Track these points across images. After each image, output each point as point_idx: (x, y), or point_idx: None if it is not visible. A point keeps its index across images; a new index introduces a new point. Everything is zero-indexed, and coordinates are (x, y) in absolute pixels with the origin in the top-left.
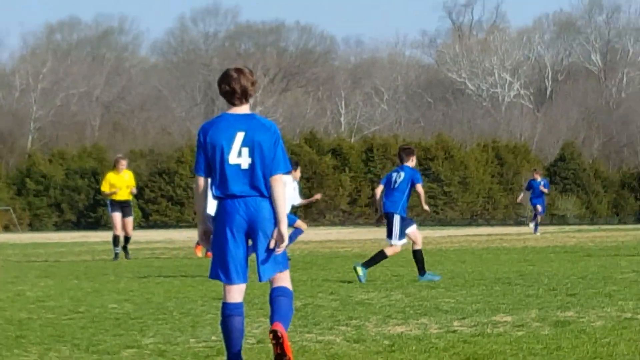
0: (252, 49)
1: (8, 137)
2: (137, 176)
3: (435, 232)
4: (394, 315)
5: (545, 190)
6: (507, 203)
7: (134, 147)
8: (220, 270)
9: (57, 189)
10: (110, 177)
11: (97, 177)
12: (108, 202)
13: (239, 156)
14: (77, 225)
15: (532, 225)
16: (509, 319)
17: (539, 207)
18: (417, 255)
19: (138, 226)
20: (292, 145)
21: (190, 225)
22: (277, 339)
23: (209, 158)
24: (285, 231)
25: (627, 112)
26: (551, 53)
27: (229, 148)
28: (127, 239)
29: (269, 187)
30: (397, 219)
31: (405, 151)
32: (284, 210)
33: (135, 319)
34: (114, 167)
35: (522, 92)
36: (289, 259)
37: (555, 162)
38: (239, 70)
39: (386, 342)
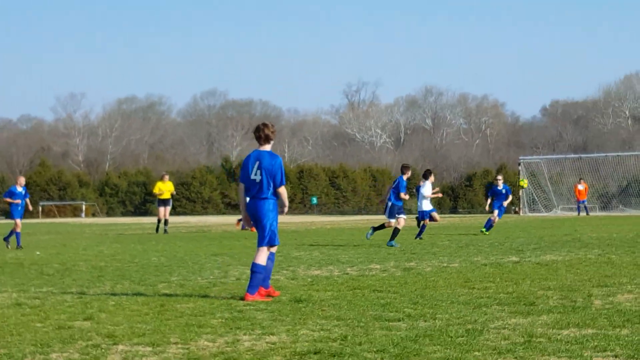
0: (235, 115)
1: (95, 163)
2: None
3: (338, 218)
4: (314, 265)
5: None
6: (377, 201)
7: (167, 169)
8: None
9: (123, 192)
10: (159, 184)
11: (146, 186)
12: (157, 200)
13: (255, 175)
14: (134, 214)
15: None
16: (378, 266)
17: (496, 212)
18: (395, 231)
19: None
20: None
21: (199, 213)
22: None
23: (244, 174)
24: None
25: (446, 154)
26: (403, 118)
27: (251, 169)
28: (166, 221)
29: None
30: (389, 204)
31: (403, 167)
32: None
33: (167, 266)
34: (161, 179)
35: (387, 140)
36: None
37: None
38: (264, 125)
39: (309, 279)
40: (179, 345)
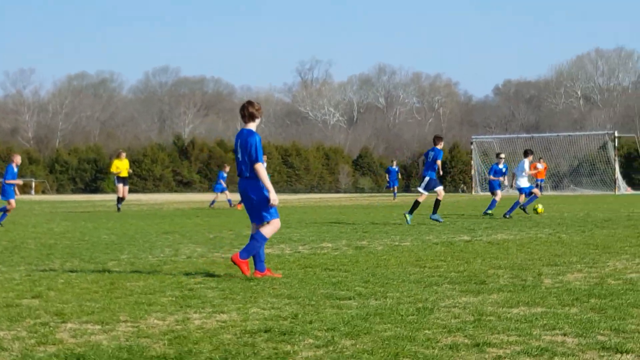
0: (187, 92)
1: (45, 139)
2: None
3: (290, 196)
4: (267, 244)
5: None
6: (330, 180)
7: (117, 147)
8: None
9: (73, 169)
10: (117, 162)
11: (96, 163)
12: (115, 177)
13: (240, 154)
14: (85, 191)
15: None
16: (329, 245)
17: (499, 192)
18: (436, 203)
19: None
20: (210, 147)
21: (151, 191)
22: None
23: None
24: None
25: (399, 132)
26: (356, 97)
27: (237, 149)
28: (122, 199)
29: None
30: (427, 179)
31: (436, 137)
32: (266, 181)
33: (117, 244)
34: (118, 156)
35: (340, 118)
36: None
37: (358, 158)
38: (249, 102)
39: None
40: (129, 324)
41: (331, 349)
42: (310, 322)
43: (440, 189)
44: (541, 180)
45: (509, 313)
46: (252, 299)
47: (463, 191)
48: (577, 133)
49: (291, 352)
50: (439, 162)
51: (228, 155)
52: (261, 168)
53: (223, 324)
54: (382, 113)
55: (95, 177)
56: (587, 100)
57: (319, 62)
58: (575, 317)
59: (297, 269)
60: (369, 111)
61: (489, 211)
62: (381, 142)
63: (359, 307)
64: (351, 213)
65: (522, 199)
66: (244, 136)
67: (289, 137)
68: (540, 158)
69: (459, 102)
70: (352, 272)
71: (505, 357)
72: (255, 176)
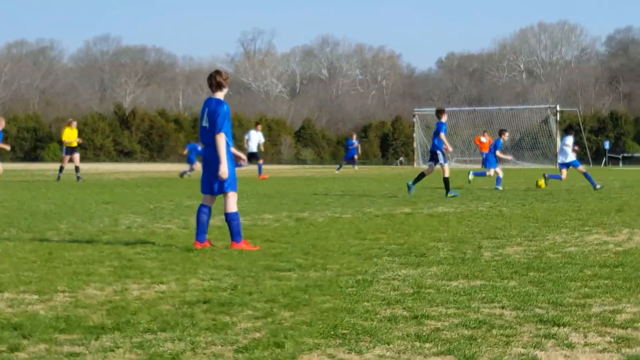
0: (129, 61)
1: None
2: (59, 133)
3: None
4: None
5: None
6: (272, 151)
7: (58, 115)
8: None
9: (12, 138)
10: (67, 131)
11: (36, 132)
12: (64, 146)
13: (205, 122)
14: (24, 160)
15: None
16: (270, 216)
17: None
18: (420, 175)
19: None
20: (151, 117)
21: (91, 160)
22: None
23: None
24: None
25: (342, 104)
26: (299, 68)
27: (202, 116)
28: (77, 168)
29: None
30: (439, 153)
31: (438, 111)
32: (221, 152)
33: (56, 214)
34: (68, 124)
35: (283, 90)
36: None
37: (300, 130)
38: (216, 72)
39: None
40: (66, 294)
41: (270, 320)
42: (250, 294)
43: (433, 165)
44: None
45: (448, 286)
46: (192, 270)
47: (400, 163)
48: (520, 107)
49: (230, 323)
50: (442, 134)
51: (170, 125)
52: (221, 139)
53: (162, 294)
54: (325, 85)
55: (35, 146)
56: (530, 74)
57: (261, 32)
58: (513, 290)
59: None
60: (311, 83)
61: (499, 187)
62: (324, 114)
63: (298, 279)
64: (293, 185)
65: (564, 174)
66: (213, 105)
67: (231, 108)
68: (485, 131)
69: (402, 74)
70: (292, 243)
71: (443, 330)
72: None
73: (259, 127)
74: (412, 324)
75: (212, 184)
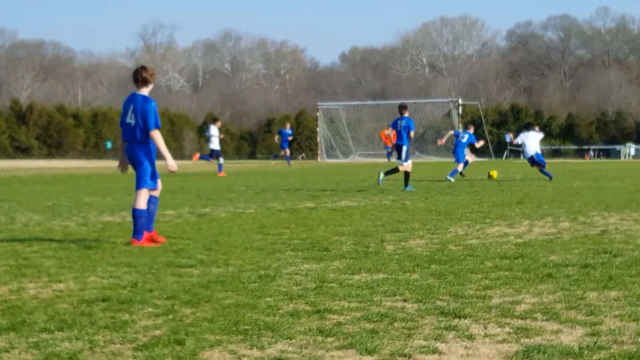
0: (25, 56)
1: None
2: None
3: None
4: (106, 210)
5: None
6: (174, 146)
7: None
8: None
9: None
10: None
11: None
12: None
13: (130, 118)
14: None
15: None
16: (172, 212)
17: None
18: (407, 174)
19: None
20: (49, 112)
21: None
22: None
23: (121, 117)
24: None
25: (245, 98)
26: (202, 62)
27: (127, 112)
28: None
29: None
30: (405, 149)
31: (401, 107)
32: (162, 148)
33: None
34: None
35: (185, 84)
36: None
37: (203, 124)
38: (142, 67)
39: (100, 225)
40: None
41: (171, 317)
42: (150, 291)
43: (409, 162)
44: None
45: (350, 280)
46: (90, 267)
47: (302, 158)
48: (422, 100)
49: (129, 321)
50: (412, 132)
51: (68, 120)
52: (158, 135)
53: (59, 293)
54: (228, 79)
55: None
56: (433, 68)
57: (162, 26)
58: (415, 283)
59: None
60: (214, 77)
61: (452, 178)
62: (227, 108)
63: (200, 275)
64: (195, 180)
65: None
66: (139, 102)
67: None
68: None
69: (306, 68)
70: (194, 239)
71: (345, 324)
72: (146, 141)
73: (218, 123)
74: (315, 319)
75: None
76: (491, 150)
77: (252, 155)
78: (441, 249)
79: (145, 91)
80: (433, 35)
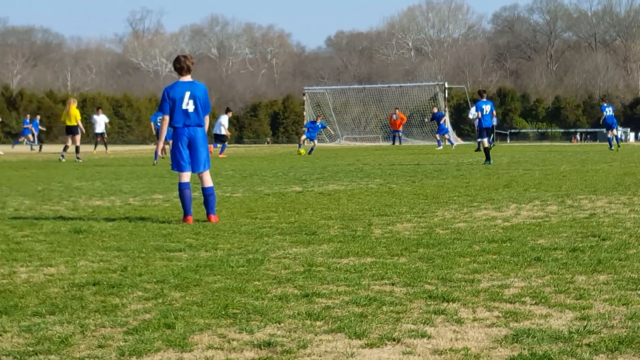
0: (15, 42)
1: None
2: None
3: (121, 147)
4: (95, 195)
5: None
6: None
7: None
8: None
9: None
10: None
11: None
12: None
13: (187, 104)
14: None
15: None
16: (161, 196)
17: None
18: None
19: None
20: (38, 98)
21: None
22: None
23: (171, 105)
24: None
25: (232, 83)
26: (189, 47)
27: (182, 100)
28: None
29: (203, 120)
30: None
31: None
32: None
33: None
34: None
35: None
36: None
37: None
38: (184, 56)
39: (90, 210)
40: None
41: (160, 301)
42: (140, 275)
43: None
44: (398, 132)
45: (338, 263)
46: (81, 251)
47: (268, 143)
48: (408, 84)
49: (120, 304)
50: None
51: (58, 106)
52: (208, 119)
53: (50, 277)
54: (215, 64)
55: None
56: (419, 51)
57: (150, 12)
58: (403, 266)
59: (127, 222)
60: (201, 62)
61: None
62: (214, 93)
63: (189, 259)
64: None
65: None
66: (199, 88)
67: (120, 88)
68: (396, 108)
69: (292, 53)
70: (183, 224)
71: (334, 307)
72: (202, 124)
73: (230, 113)
74: (303, 303)
75: (194, 162)
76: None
77: (239, 140)
78: (429, 233)
79: (189, 78)
80: (419, 18)
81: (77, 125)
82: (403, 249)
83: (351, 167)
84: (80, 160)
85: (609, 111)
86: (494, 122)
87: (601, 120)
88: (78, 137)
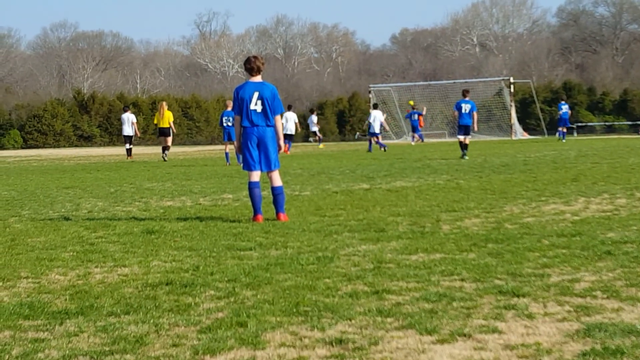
0: (86, 47)
1: None
2: (19, 119)
3: (191, 148)
4: (166, 195)
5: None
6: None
7: (18, 102)
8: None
9: None
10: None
11: None
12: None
13: (255, 105)
14: None
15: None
16: (230, 196)
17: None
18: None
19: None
20: (109, 101)
21: (51, 146)
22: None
23: (240, 105)
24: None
25: (298, 83)
26: (255, 48)
27: (250, 100)
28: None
29: (272, 121)
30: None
31: (465, 91)
32: (280, 132)
33: (18, 200)
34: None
35: (239, 70)
36: None
37: None
38: (254, 57)
39: (161, 210)
40: (30, 280)
41: (232, 300)
42: (212, 274)
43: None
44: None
45: (407, 260)
46: (153, 252)
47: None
48: (473, 80)
49: (192, 304)
50: (474, 113)
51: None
52: (279, 119)
53: (124, 277)
54: (281, 64)
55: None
56: (483, 47)
57: (216, 14)
58: (472, 262)
59: (198, 221)
60: (267, 62)
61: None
62: (281, 93)
63: (259, 258)
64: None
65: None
66: (267, 89)
67: (188, 89)
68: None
69: (357, 51)
70: (253, 223)
71: (404, 304)
72: (273, 125)
73: (315, 112)
74: (373, 299)
75: (263, 162)
76: (544, 128)
77: (305, 138)
78: (497, 228)
79: (259, 78)
80: (483, 14)
81: (170, 127)
82: (472, 244)
83: (418, 164)
84: (166, 160)
85: None
86: (474, 121)
87: None
88: (170, 139)
